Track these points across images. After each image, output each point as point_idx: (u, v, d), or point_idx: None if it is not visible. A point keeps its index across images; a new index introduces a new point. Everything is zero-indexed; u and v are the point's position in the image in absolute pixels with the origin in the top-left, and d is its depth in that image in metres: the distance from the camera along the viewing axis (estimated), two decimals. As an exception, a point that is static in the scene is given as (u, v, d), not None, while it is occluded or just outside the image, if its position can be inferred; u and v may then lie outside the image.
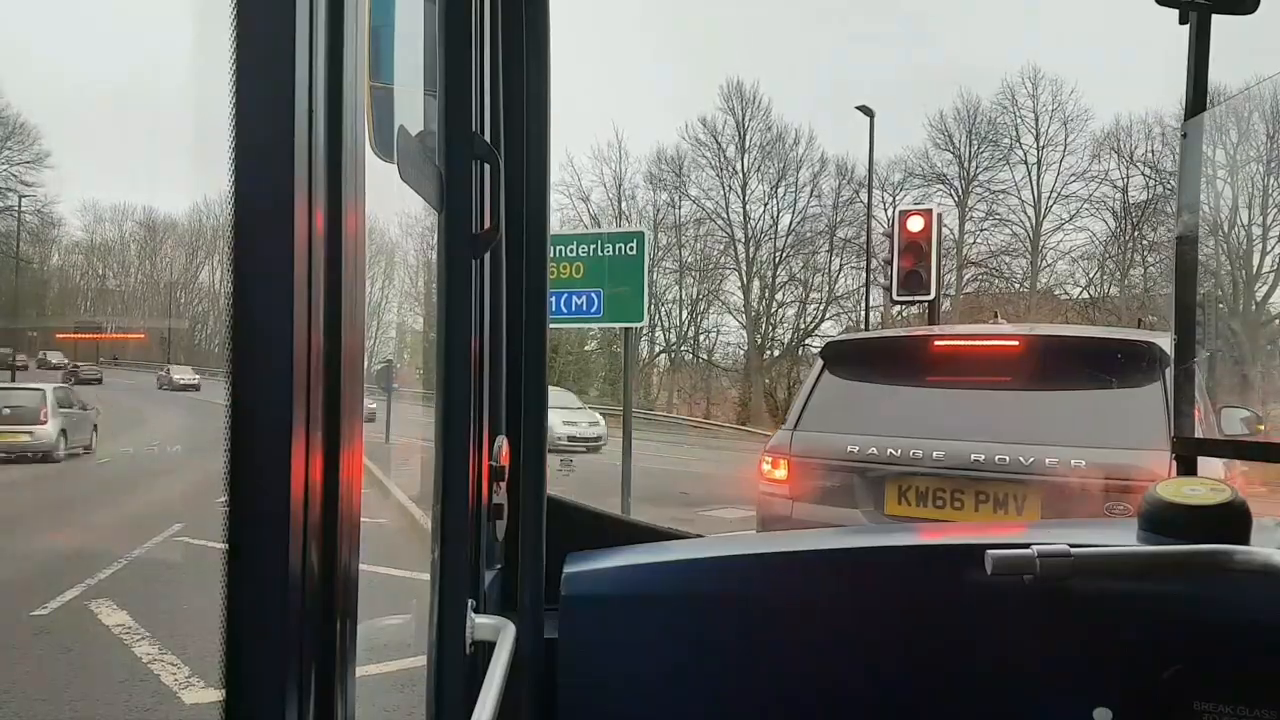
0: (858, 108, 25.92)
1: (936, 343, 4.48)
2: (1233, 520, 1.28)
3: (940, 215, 10.18)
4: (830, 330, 35.09)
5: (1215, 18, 1.62)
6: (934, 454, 3.93)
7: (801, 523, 4.19)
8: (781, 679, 1.37)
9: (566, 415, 20.67)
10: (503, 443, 1.34)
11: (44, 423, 14.34)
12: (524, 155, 1.37)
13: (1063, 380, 3.95)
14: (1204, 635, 1.25)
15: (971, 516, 3.88)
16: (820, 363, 4.56)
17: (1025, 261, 32.82)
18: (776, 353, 35.54)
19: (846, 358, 4.53)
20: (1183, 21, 1.65)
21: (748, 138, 35.02)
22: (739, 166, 35.15)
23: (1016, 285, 32.73)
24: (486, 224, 1.23)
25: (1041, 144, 32.32)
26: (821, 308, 35.15)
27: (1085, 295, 32.05)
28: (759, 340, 35.26)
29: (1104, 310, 31.11)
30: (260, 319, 0.58)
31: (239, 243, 0.57)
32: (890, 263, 10.55)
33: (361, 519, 0.69)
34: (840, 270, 34.83)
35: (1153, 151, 30.44)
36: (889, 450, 4.03)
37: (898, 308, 27.33)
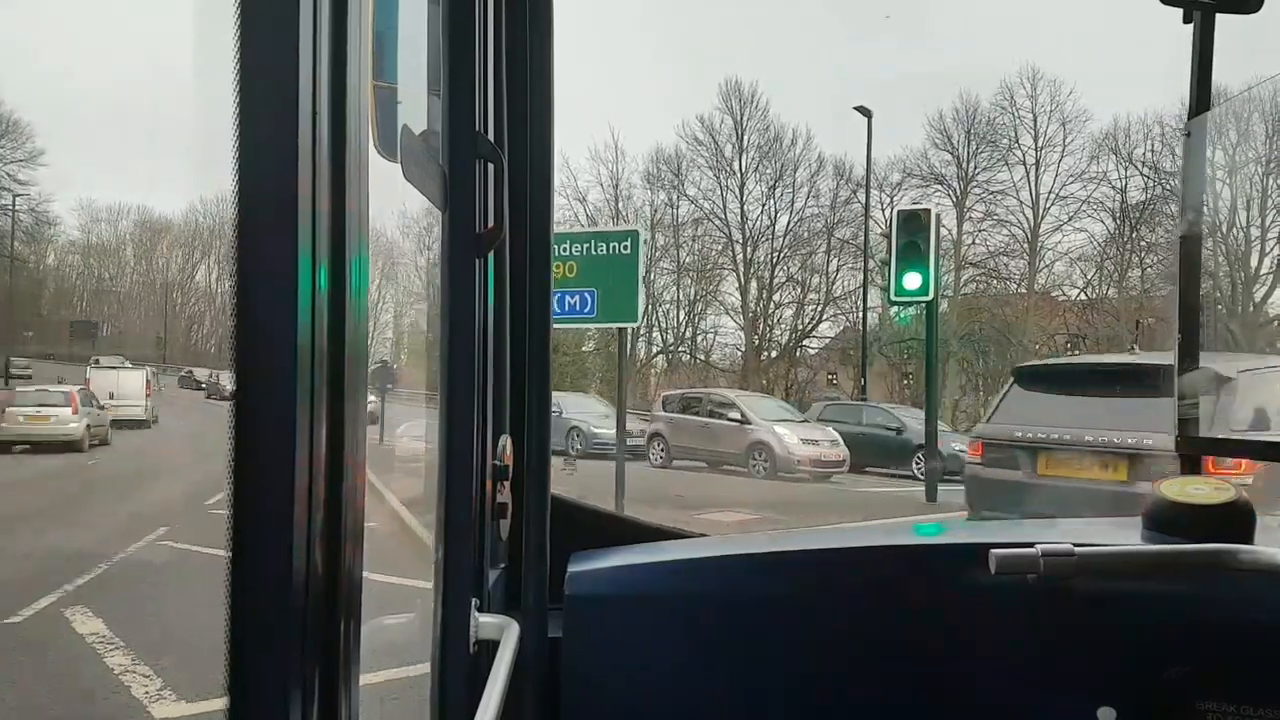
0: (855, 108, 25.96)
1: (1083, 368, 7.58)
2: (1237, 519, 1.28)
3: (939, 215, 10.17)
4: (827, 331, 35.08)
5: (1219, 17, 1.62)
6: (1065, 435, 6.52)
7: (988, 480, 7.03)
8: (786, 679, 1.37)
9: (801, 430, 16.37)
10: (506, 442, 1.34)
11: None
12: (527, 154, 1.38)
13: (1158, 390, 5.46)
14: (1208, 635, 1.26)
15: (1085, 472, 6.42)
16: (1011, 378, 7.42)
17: (1023, 263, 32.76)
18: (774, 354, 35.47)
19: (1027, 376, 7.30)
20: (1187, 21, 1.64)
21: (745, 137, 34.94)
22: (737, 167, 35.03)
23: (1014, 286, 32.66)
24: (490, 223, 1.24)
25: (1040, 144, 32.21)
26: (819, 309, 35.08)
27: (1083, 297, 32.02)
28: (756, 341, 35.19)
29: (1102, 312, 31.03)
30: (264, 319, 0.58)
31: (242, 243, 0.58)
32: (888, 263, 10.56)
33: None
34: (838, 271, 34.74)
35: (1152, 151, 30.41)
36: (1038, 433, 6.63)
37: (895, 308, 27.30)
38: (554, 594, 1.41)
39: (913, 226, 10.03)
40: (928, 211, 10.14)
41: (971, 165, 32.81)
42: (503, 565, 1.40)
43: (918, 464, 16.10)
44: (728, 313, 36.05)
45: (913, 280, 10.05)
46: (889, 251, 10.57)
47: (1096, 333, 31.38)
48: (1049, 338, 32.05)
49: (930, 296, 10.30)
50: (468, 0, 1.16)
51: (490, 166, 1.24)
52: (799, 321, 35.17)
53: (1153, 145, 30.29)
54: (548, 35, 1.39)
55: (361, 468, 0.68)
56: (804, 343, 35.43)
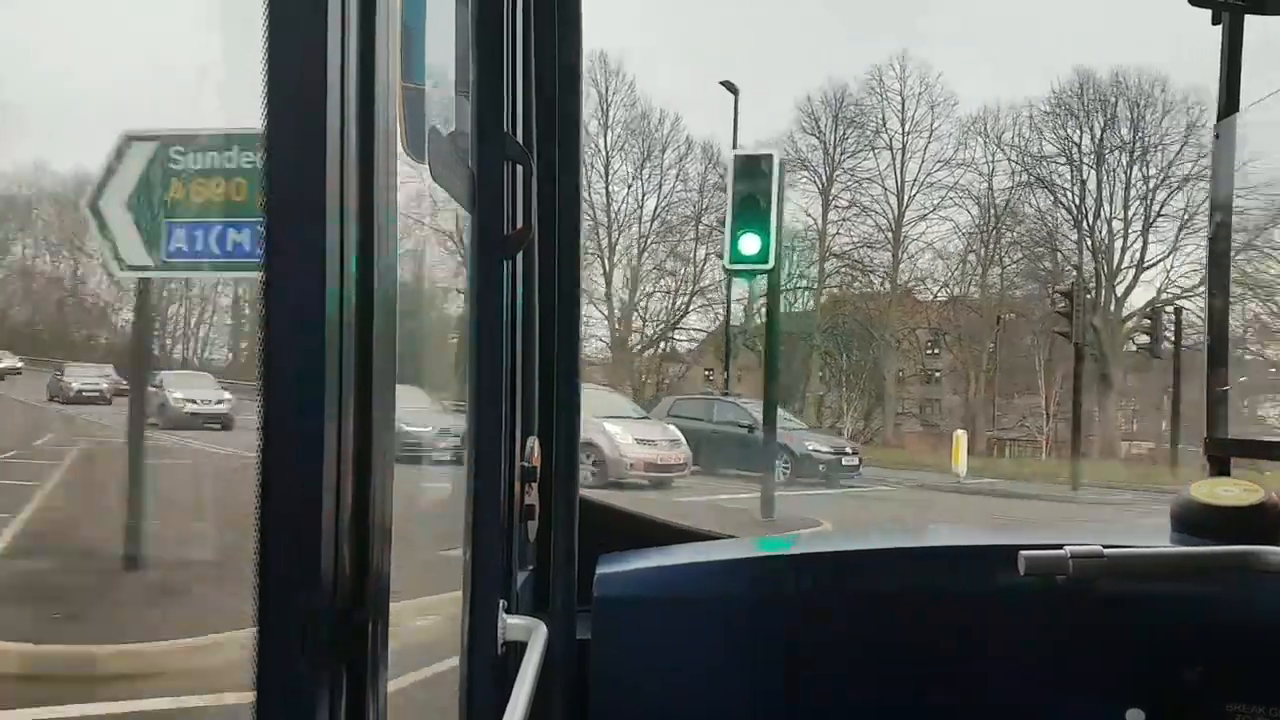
0: (721, 83, 24.43)
1: None
2: (1265, 521, 1.32)
3: (783, 162, 8.23)
4: (698, 323, 33.74)
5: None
6: None
7: None
8: (817, 681, 1.42)
9: (636, 429, 14.26)
10: (534, 443, 1.38)
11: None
12: (556, 155, 1.42)
13: None
14: (1236, 637, 1.31)
15: None
16: None
17: (888, 255, 32.30)
18: (641, 347, 34.01)
19: None
20: (1215, 22, 1.69)
21: (611, 113, 33.07)
22: (602, 144, 33.17)
23: (878, 282, 32.22)
24: (518, 224, 1.29)
25: (907, 129, 31.73)
26: (687, 299, 33.78)
27: (944, 294, 31.96)
28: (619, 331, 33.56)
29: (965, 307, 30.97)
30: (292, 320, 0.59)
31: (270, 244, 0.59)
32: (725, 221, 8.54)
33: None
34: (706, 259, 33.47)
35: (1021, 136, 30.37)
36: None
37: (739, 296, 26.01)
38: (582, 596, 1.44)
39: (751, 173, 7.96)
40: (769, 157, 8.10)
41: (838, 150, 32.02)
42: (531, 567, 1.44)
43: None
44: (592, 302, 34.23)
45: (750, 244, 7.95)
46: (726, 205, 8.53)
47: (959, 328, 31.40)
48: (910, 332, 31.92)
49: (770, 265, 8.29)
50: (496, 1, 1.21)
51: (519, 168, 1.28)
52: (670, 314, 33.85)
53: (1021, 129, 30.32)
54: (576, 35, 1.43)
55: (390, 466, 0.69)
56: (674, 335, 34.19)
